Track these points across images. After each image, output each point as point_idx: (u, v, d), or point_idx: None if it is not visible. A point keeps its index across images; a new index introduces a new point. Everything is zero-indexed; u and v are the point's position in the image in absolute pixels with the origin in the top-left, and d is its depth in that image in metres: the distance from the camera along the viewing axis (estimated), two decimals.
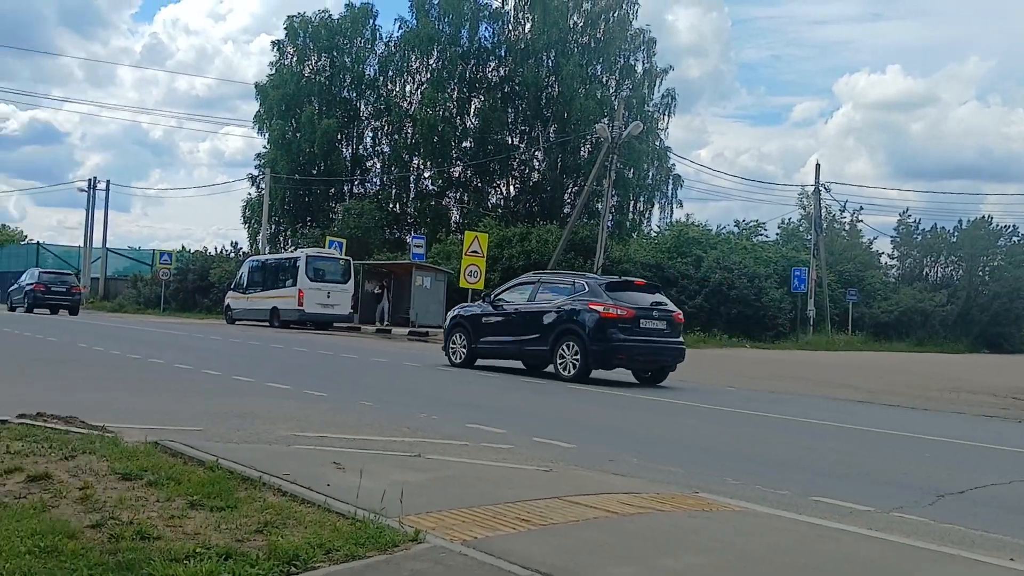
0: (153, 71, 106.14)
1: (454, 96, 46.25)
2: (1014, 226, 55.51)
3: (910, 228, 55.06)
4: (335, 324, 30.60)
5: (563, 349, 13.75)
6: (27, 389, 9.04)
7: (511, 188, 47.53)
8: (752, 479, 6.55)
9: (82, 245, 52.93)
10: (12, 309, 36.31)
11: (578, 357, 13.58)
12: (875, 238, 55.69)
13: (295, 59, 48.36)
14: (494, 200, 47.52)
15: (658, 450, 7.73)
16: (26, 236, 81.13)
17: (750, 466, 7.16)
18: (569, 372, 13.66)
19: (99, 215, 52.33)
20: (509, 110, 46.06)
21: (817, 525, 4.94)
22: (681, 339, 14.72)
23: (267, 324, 30.46)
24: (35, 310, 34.36)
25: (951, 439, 9.50)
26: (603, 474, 6.31)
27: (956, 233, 53.86)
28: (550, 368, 14.23)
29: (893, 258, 56.11)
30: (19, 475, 4.67)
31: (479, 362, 15.34)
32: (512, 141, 46.77)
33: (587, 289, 14.17)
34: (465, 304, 18.32)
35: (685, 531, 4.50)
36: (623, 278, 17.83)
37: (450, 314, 16.79)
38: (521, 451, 7.11)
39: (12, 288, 38.59)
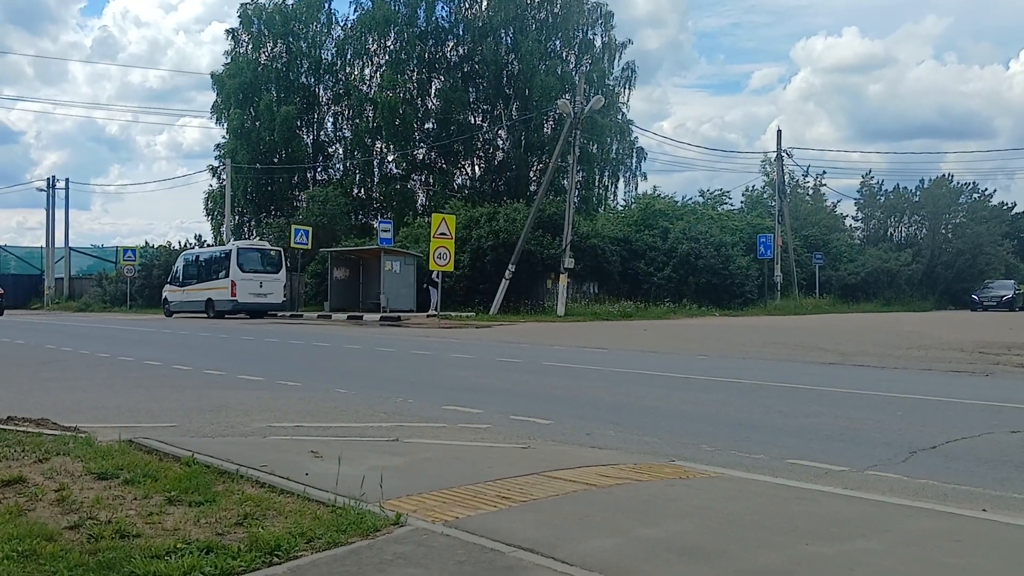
0: (105, 65, 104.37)
1: (414, 77, 45.89)
2: (974, 183, 56.37)
3: (873, 189, 55.62)
4: (269, 312, 32.18)
5: None
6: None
7: (476, 168, 47.36)
8: (728, 445, 6.63)
9: (44, 245, 52.06)
10: None
11: None
12: (839, 201, 56.22)
13: (250, 47, 47.69)
14: (460, 181, 47.31)
15: (634, 421, 7.79)
16: None
17: (726, 432, 7.24)
18: None
19: (60, 214, 51.51)
20: (470, 89, 45.78)
21: (794, 487, 5.02)
22: None
23: (204, 315, 31.72)
24: None
25: (922, 396, 9.65)
26: (581, 448, 6.36)
27: (918, 192, 54.47)
28: None
29: (857, 220, 56.70)
30: None
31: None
32: (475, 121, 46.53)
33: None
34: None
35: (664, 499, 4.55)
36: None
37: None
38: (499, 430, 7.14)
39: None
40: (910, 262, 47.95)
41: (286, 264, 33.47)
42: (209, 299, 32.22)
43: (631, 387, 10.47)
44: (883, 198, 55.25)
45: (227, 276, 31.66)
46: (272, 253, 33.36)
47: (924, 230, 53.79)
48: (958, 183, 54.96)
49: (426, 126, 46.50)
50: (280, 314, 32.16)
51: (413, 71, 45.77)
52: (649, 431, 7.23)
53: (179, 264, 35.77)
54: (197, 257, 35.85)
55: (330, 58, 48.19)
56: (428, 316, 28.44)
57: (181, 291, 34.35)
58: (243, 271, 31.67)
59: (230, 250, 32.90)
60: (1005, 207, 59.12)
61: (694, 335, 20.88)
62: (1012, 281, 47.43)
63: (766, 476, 5.39)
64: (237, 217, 47.10)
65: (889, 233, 54.91)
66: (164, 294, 35.67)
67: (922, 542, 3.85)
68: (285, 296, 33.07)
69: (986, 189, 57.47)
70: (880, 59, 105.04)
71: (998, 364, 13.29)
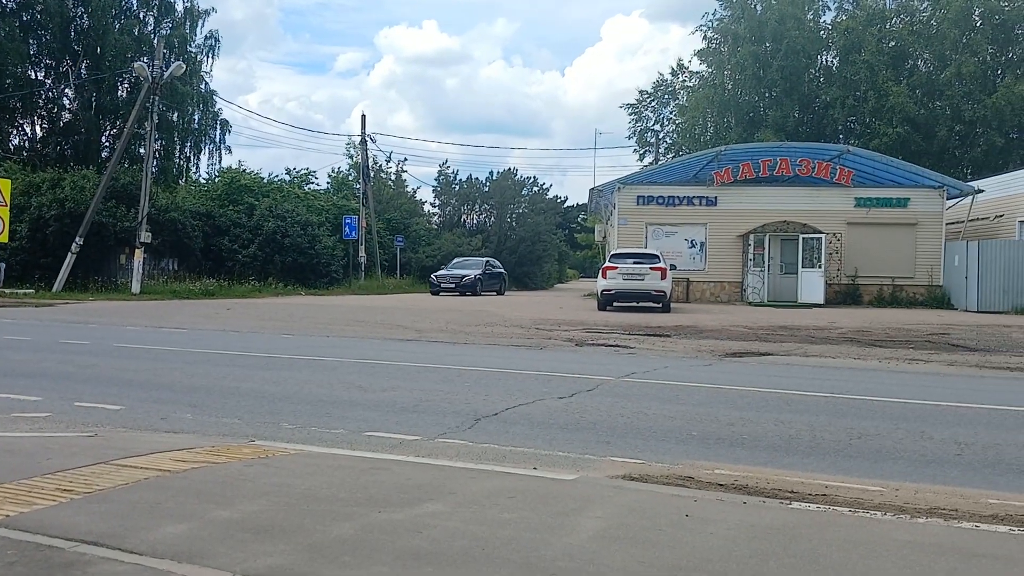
0: None
1: None
2: (535, 177, 62.72)
3: (449, 178, 59.22)
4: None
5: None
6: None
7: (37, 128, 42.30)
8: (309, 421, 6.73)
9: None
10: None
11: None
12: (419, 188, 59.36)
13: None
14: (17, 142, 41.91)
15: (214, 403, 7.58)
16: None
17: (307, 409, 7.33)
18: None
19: None
20: (31, 41, 40.64)
21: (371, 458, 5.25)
22: None
23: None
24: None
25: (486, 368, 10.55)
26: (154, 433, 6.07)
27: (488, 183, 59.05)
28: None
29: (435, 206, 60.09)
30: None
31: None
32: (37, 76, 41.47)
33: None
34: None
35: (241, 480, 4.51)
36: None
37: None
38: (61, 418, 6.55)
39: None
40: (480, 247, 51.88)
41: None
42: None
43: (212, 368, 10.15)
44: (458, 187, 59.09)
45: None
46: None
47: (493, 218, 58.48)
48: (522, 176, 60.59)
49: None
50: None
51: None
52: (230, 412, 7.09)
53: None
54: None
55: None
56: None
57: None
58: None
59: None
60: (559, 200, 66.44)
61: (279, 314, 20.73)
62: (484, 260, 40.42)
63: (344, 450, 5.57)
64: None
65: (462, 219, 58.89)
66: None
67: (482, 501, 4.24)
68: None
69: (544, 183, 64.35)
70: (457, 55, 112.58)
71: (550, 339, 14.95)
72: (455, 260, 40.82)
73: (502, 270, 41.58)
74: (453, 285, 36.30)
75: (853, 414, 7.67)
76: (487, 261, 40.17)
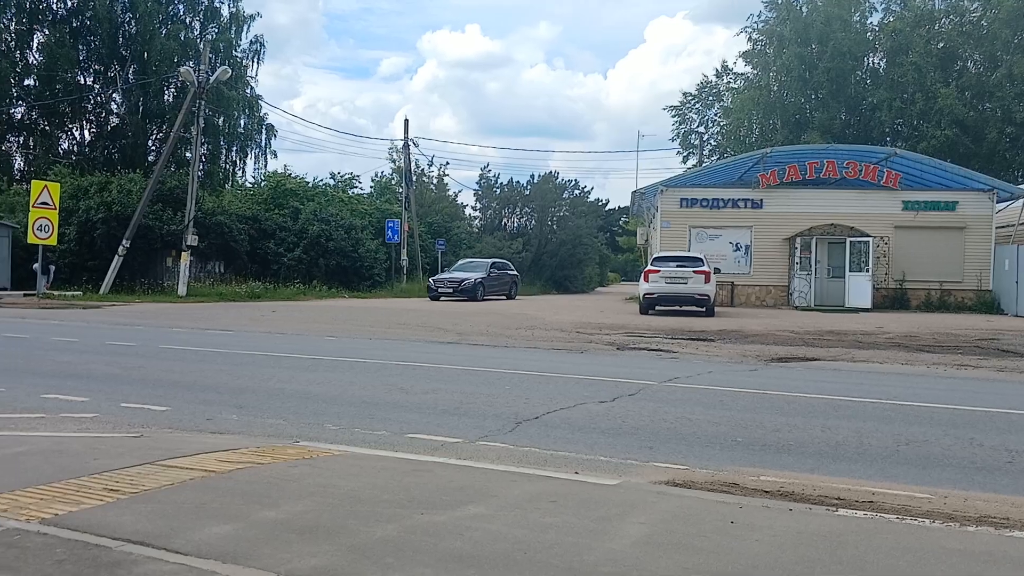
0: None
1: (12, 27, 40.67)
2: (576, 180, 62.57)
3: (490, 182, 59.29)
4: None
5: None
6: None
7: (86, 133, 43.17)
8: (352, 423, 6.77)
9: None
10: None
11: None
12: (460, 191, 59.40)
13: None
14: (66, 146, 42.85)
15: (259, 404, 7.66)
16: None
17: (350, 410, 7.38)
18: None
19: None
20: (80, 47, 41.55)
21: (412, 460, 5.26)
22: None
23: None
24: None
25: (527, 371, 10.52)
26: (200, 434, 6.14)
27: (529, 186, 59.02)
28: None
29: (476, 209, 60.21)
30: None
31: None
32: (86, 81, 42.35)
33: None
34: None
35: (286, 480, 4.54)
36: None
37: None
38: (108, 419, 6.66)
39: None
40: (521, 250, 51.89)
41: None
42: None
43: (257, 369, 10.25)
44: (499, 190, 59.17)
45: None
46: None
47: (533, 221, 58.42)
48: (563, 179, 60.45)
49: (26, 83, 41.48)
50: None
51: (11, 20, 40.55)
52: (274, 413, 7.15)
53: None
54: None
55: None
56: (25, 295, 25.61)
57: None
58: None
59: None
60: (600, 203, 66.22)
61: (323, 316, 20.90)
62: (490, 261, 36.67)
63: (387, 451, 5.59)
64: None
65: (503, 223, 58.94)
66: None
67: (524, 505, 4.22)
68: None
69: (585, 186, 64.15)
70: (499, 58, 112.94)
71: (591, 343, 14.88)
72: (459, 263, 38.08)
73: (513, 272, 38.35)
74: (451, 289, 32.82)
75: (901, 420, 7.53)
76: (493, 263, 36.64)
